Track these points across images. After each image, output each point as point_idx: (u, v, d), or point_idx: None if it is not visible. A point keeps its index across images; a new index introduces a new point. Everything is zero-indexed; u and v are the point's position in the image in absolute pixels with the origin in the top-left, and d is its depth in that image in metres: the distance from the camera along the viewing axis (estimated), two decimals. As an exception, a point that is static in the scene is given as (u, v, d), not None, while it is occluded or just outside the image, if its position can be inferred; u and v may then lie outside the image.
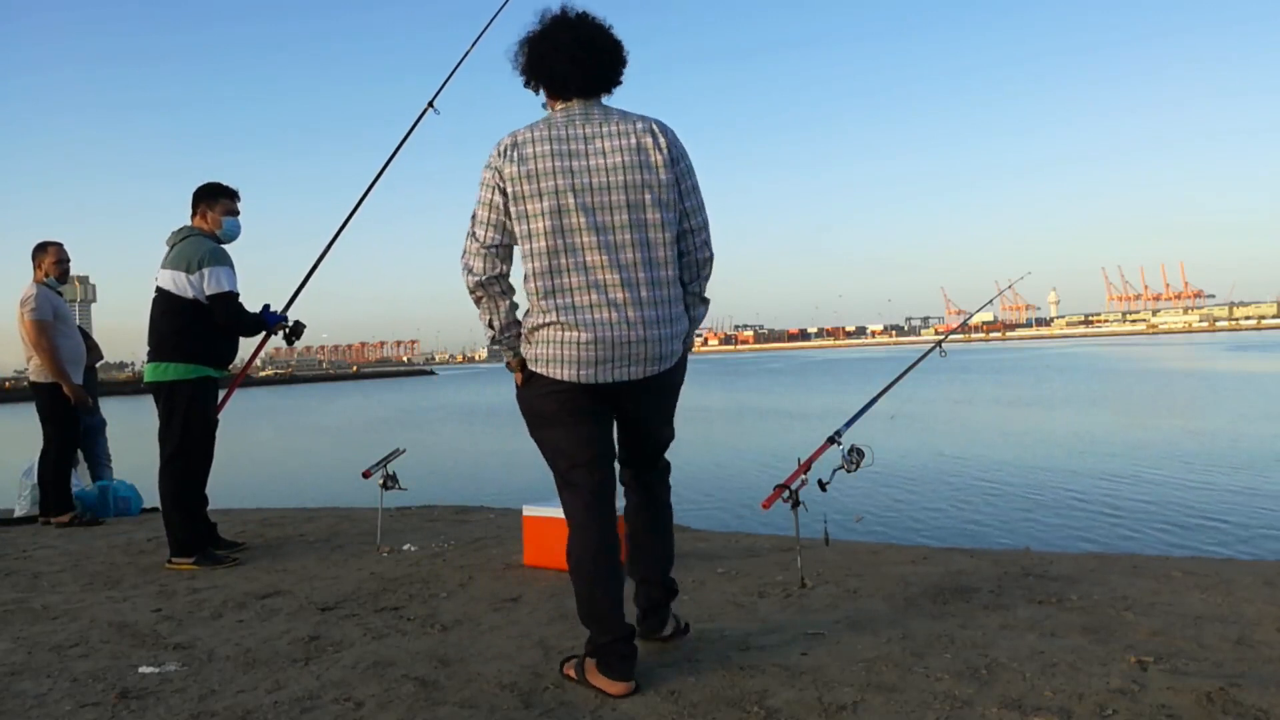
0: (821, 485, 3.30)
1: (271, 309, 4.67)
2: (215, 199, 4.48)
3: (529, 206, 2.38)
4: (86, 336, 6.40)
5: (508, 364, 2.57)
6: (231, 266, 4.38)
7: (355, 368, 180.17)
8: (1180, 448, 11.07)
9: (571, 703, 2.38)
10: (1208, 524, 6.58)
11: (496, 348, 2.59)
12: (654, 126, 2.45)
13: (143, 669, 2.77)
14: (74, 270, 5.94)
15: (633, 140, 2.41)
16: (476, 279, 2.46)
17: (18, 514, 6.18)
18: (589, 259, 2.36)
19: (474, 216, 2.46)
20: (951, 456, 11.00)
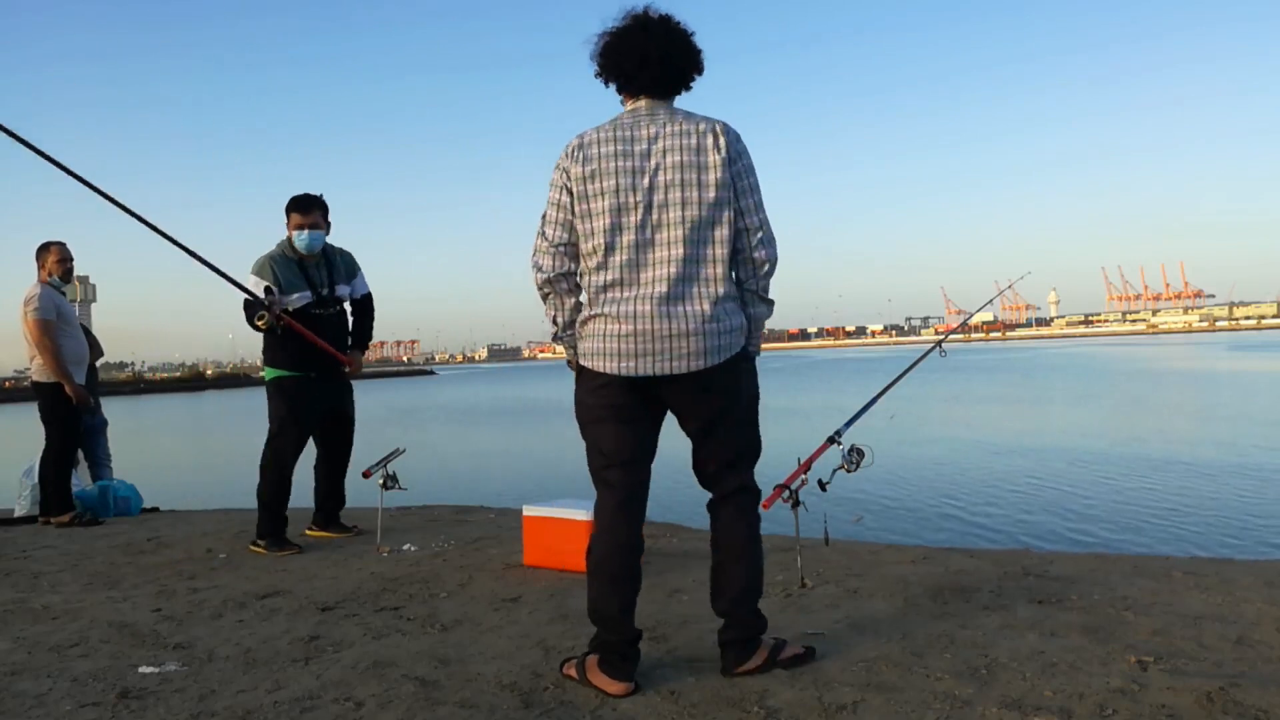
0: (821, 485, 3.30)
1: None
2: (288, 214, 4.76)
3: (591, 205, 2.46)
4: (87, 334, 6.40)
5: (568, 362, 2.64)
6: (259, 274, 4.66)
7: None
8: (1180, 447, 11.07)
9: (571, 702, 2.38)
10: (1208, 524, 6.58)
11: (559, 345, 2.66)
12: (716, 127, 2.48)
13: (143, 669, 2.78)
14: (75, 270, 5.95)
15: (693, 140, 2.45)
16: (544, 276, 2.55)
17: (18, 514, 6.18)
18: (641, 256, 2.44)
19: (544, 216, 2.55)
20: (952, 456, 11.00)
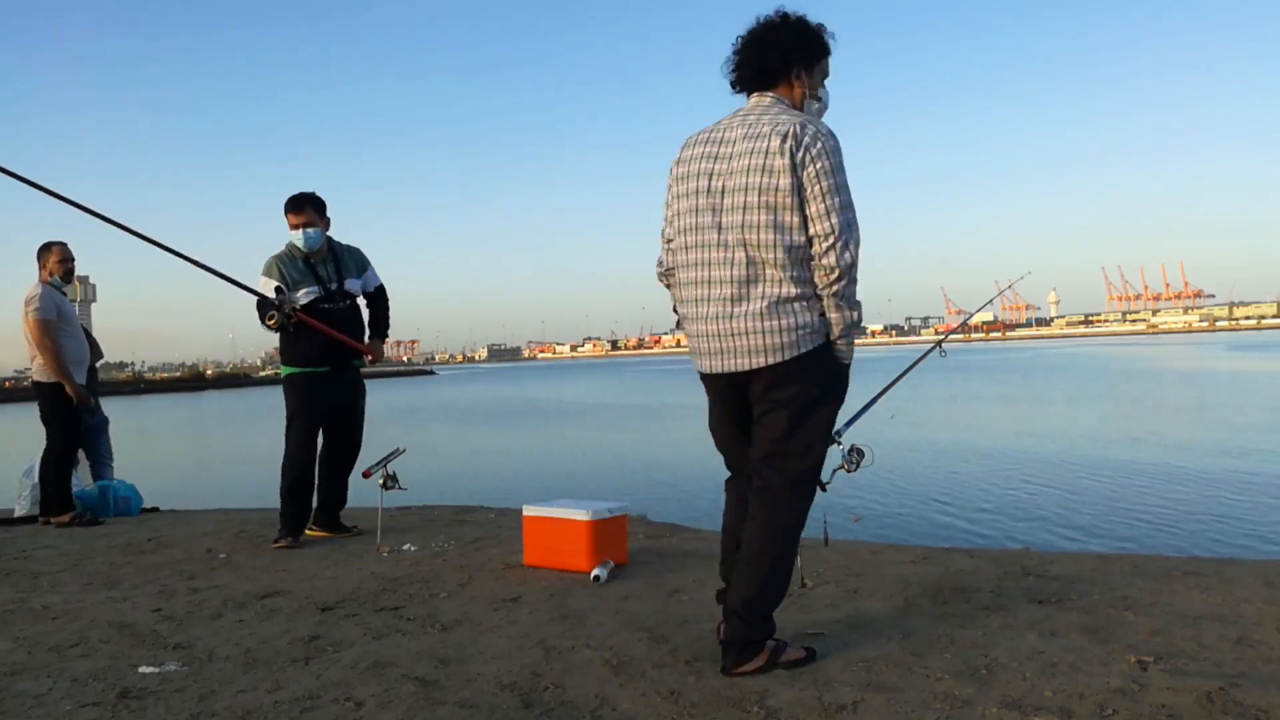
0: (822, 485, 3.28)
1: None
2: (286, 214, 4.83)
3: (678, 205, 2.63)
4: (87, 335, 6.40)
5: None
6: (267, 274, 4.76)
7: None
8: (1180, 447, 11.07)
9: (571, 702, 2.38)
10: (1208, 524, 6.58)
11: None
12: (792, 129, 2.45)
13: (143, 669, 2.78)
14: (76, 270, 5.95)
15: (763, 144, 2.47)
16: (659, 270, 2.78)
17: (18, 514, 6.18)
18: (706, 256, 2.55)
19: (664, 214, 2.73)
20: (952, 456, 10.99)
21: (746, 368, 2.51)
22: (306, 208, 4.80)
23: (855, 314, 2.54)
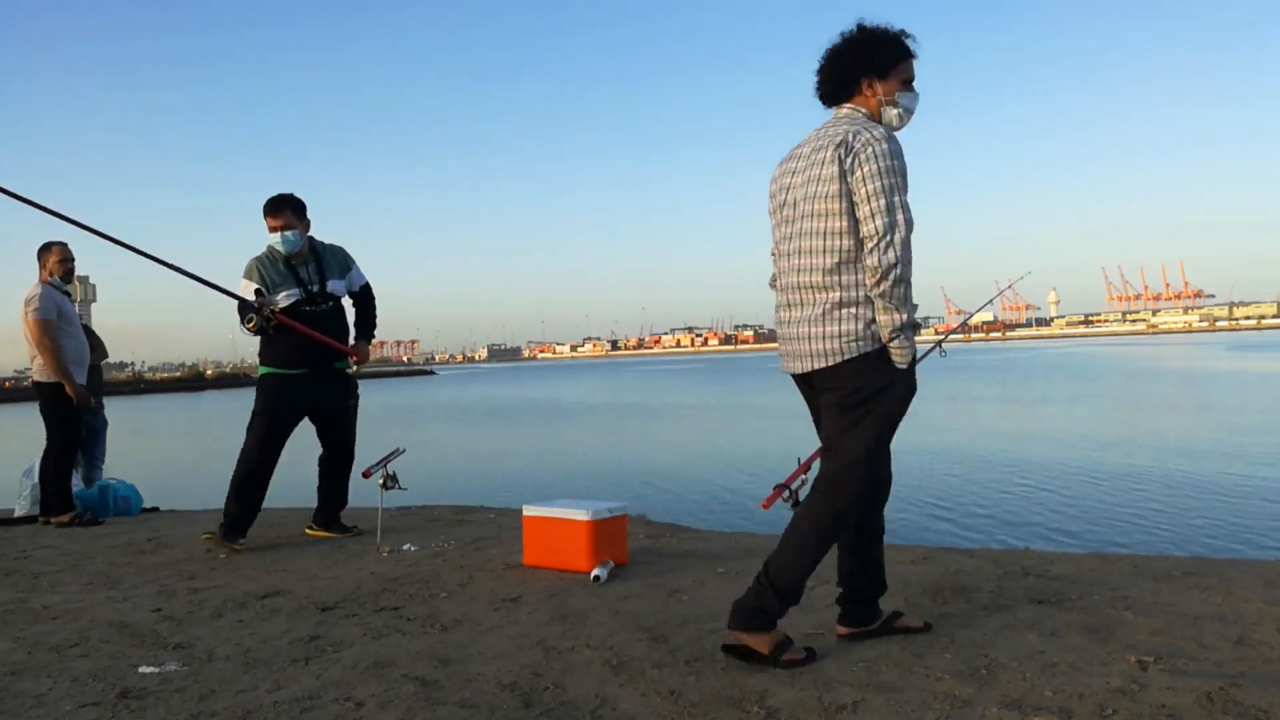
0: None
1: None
2: (265, 217, 4.78)
3: (770, 221, 2.83)
4: (91, 334, 6.40)
5: None
6: (247, 277, 4.72)
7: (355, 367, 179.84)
8: (1180, 447, 11.07)
9: (571, 702, 2.38)
10: (1208, 524, 6.58)
11: None
12: (846, 136, 2.55)
13: (143, 669, 2.78)
14: (76, 270, 5.95)
15: (822, 155, 2.58)
16: (769, 280, 2.91)
17: (18, 514, 6.18)
18: (782, 265, 2.74)
19: None
20: (951, 456, 10.99)
21: (801, 370, 2.67)
22: (285, 210, 4.73)
23: (903, 316, 2.53)
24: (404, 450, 4.72)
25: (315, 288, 4.82)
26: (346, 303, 5.06)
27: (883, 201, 2.48)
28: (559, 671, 2.62)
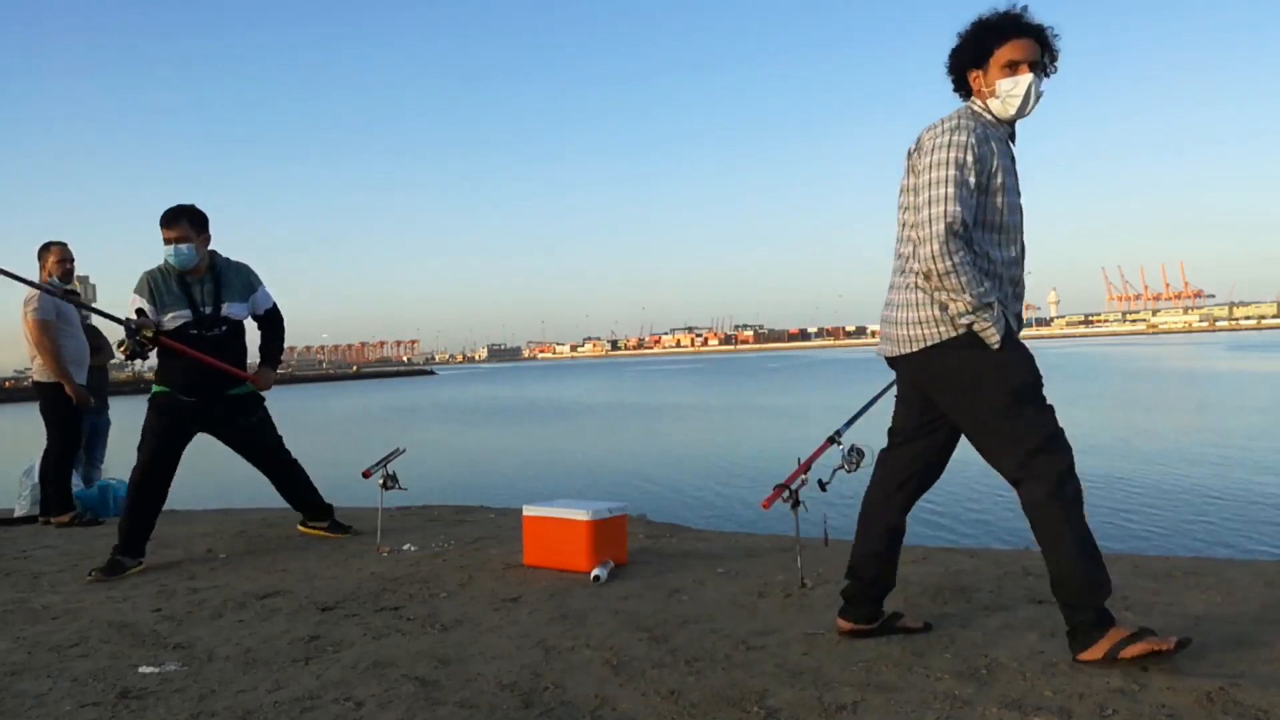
0: (821, 485, 3.29)
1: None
2: (160, 228, 4.41)
3: None
4: (97, 335, 6.39)
5: None
6: (138, 292, 4.40)
7: (355, 368, 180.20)
8: (1179, 447, 11.07)
9: (571, 702, 2.38)
10: (1208, 524, 6.58)
11: None
12: (923, 131, 2.60)
13: (143, 669, 2.78)
14: (75, 271, 5.95)
15: (912, 147, 2.66)
16: None
17: (18, 514, 6.18)
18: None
19: None
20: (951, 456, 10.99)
21: (887, 354, 2.71)
22: (180, 221, 4.35)
23: (964, 300, 2.46)
24: (404, 450, 4.71)
25: (208, 310, 4.44)
26: (252, 325, 4.72)
27: (928, 194, 2.49)
28: (559, 671, 2.62)
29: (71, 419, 5.80)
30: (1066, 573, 2.47)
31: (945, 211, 2.46)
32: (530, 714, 2.32)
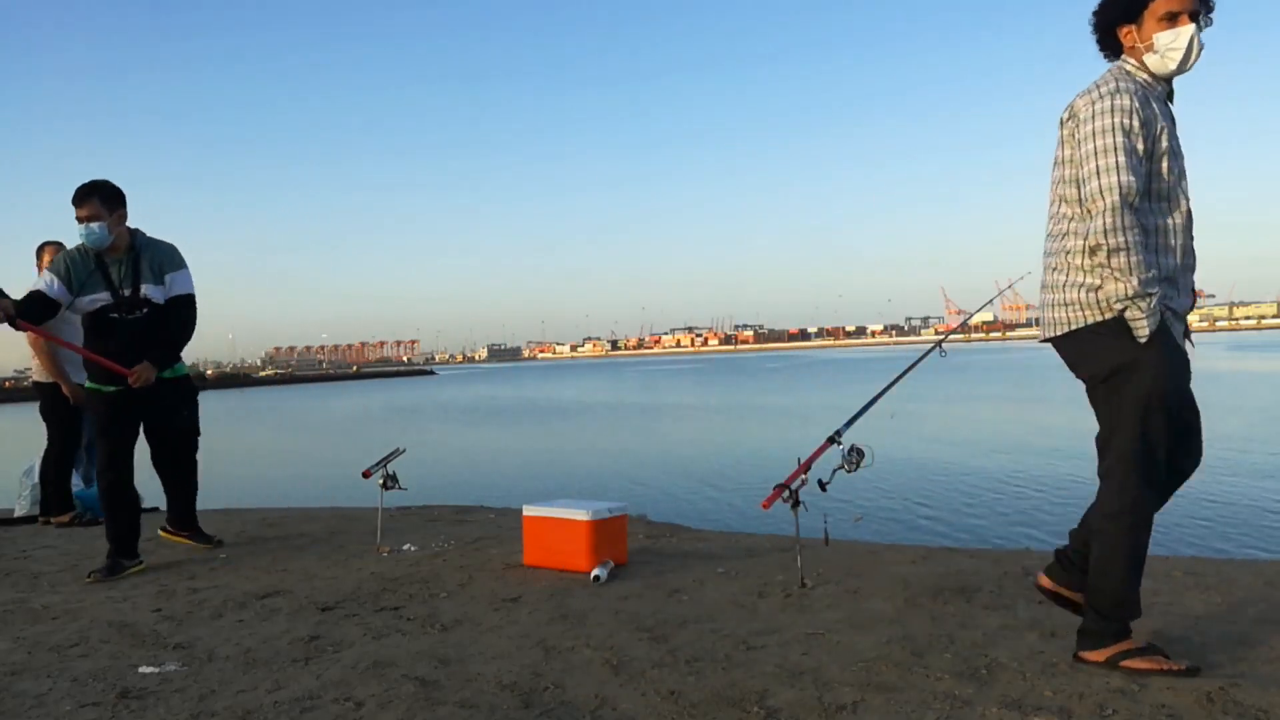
0: (821, 485, 3.29)
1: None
2: (73, 205, 4.21)
3: None
4: None
5: None
6: (52, 270, 4.21)
7: (355, 368, 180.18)
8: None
9: (571, 702, 2.38)
10: (1208, 524, 6.58)
11: None
12: (1076, 98, 2.46)
13: (143, 669, 2.78)
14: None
15: (1063, 115, 2.51)
16: None
17: (18, 514, 6.18)
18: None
19: None
20: (951, 456, 10.99)
21: (1042, 337, 2.60)
22: (91, 199, 4.13)
23: (1126, 284, 2.32)
24: (404, 450, 4.72)
25: (127, 291, 4.23)
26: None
27: (1093, 164, 2.36)
28: (559, 671, 2.62)
29: (71, 419, 5.80)
30: (1107, 586, 2.43)
31: (1118, 182, 2.31)
32: (530, 714, 2.32)
